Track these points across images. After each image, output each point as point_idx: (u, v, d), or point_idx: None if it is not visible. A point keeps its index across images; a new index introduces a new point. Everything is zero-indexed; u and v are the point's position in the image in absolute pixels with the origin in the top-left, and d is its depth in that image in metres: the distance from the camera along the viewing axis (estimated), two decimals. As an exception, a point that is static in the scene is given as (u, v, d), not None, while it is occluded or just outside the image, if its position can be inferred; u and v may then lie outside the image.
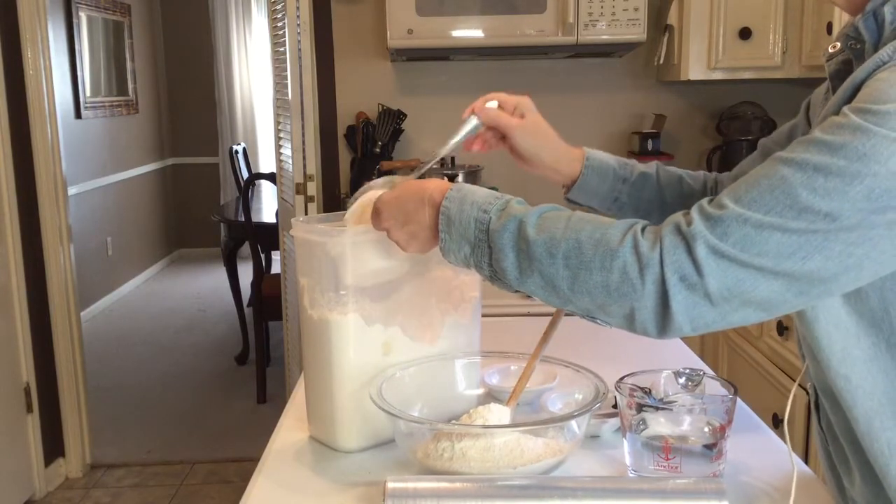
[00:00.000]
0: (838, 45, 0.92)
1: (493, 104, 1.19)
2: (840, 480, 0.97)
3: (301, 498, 1.02)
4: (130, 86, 6.27)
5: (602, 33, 2.69)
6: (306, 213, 2.89)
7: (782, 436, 1.01)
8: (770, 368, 2.25)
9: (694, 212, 0.80)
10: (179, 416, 3.84)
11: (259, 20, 6.89)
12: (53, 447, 3.16)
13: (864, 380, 0.86)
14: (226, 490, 3.12)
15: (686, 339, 1.48)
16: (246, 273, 4.25)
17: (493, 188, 1.01)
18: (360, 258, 1.09)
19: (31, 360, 3.01)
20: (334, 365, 1.10)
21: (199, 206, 7.00)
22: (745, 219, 0.76)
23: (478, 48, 2.84)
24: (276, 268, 4.35)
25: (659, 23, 2.98)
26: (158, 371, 4.45)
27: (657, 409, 0.99)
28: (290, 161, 3.03)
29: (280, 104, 3.23)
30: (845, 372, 0.87)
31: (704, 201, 0.81)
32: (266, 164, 6.87)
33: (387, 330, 1.13)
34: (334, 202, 3.12)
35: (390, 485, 0.89)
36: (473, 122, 1.17)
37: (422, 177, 1.08)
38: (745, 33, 2.77)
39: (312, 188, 2.92)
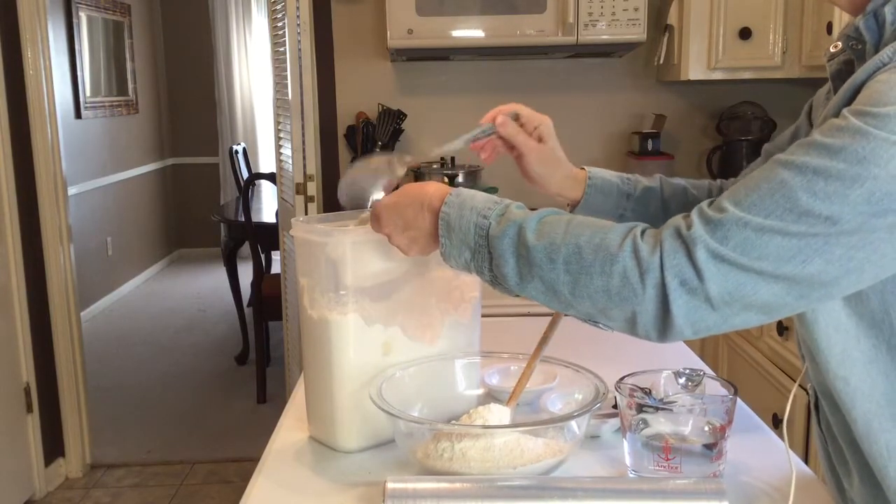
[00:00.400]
0: (840, 45, 0.92)
1: (511, 114, 1.17)
2: (839, 481, 0.97)
3: (301, 498, 1.02)
4: (130, 86, 6.27)
5: (602, 33, 2.69)
6: (306, 213, 2.89)
7: (782, 436, 1.01)
8: (770, 369, 2.25)
9: (694, 215, 0.80)
10: (179, 416, 3.84)
11: (259, 20, 6.89)
12: (53, 447, 3.16)
13: (863, 382, 0.86)
14: (226, 490, 3.12)
15: (686, 340, 1.47)
16: (246, 273, 4.25)
17: (492, 188, 1.01)
18: (360, 258, 1.09)
19: (31, 360, 3.01)
20: (334, 365, 1.10)
21: (199, 206, 7.00)
22: (746, 222, 0.76)
23: (478, 48, 2.84)
24: (276, 268, 4.35)
25: (659, 23, 2.98)
26: (158, 371, 4.45)
27: (657, 409, 0.99)
28: (290, 161, 3.03)
29: (280, 104, 3.23)
30: (844, 374, 0.87)
31: (704, 204, 0.80)
32: (266, 164, 6.87)
33: (387, 330, 1.13)
34: (334, 202, 3.11)
35: (390, 485, 0.89)
36: (489, 125, 1.16)
37: (421, 177, 1.08)
38: (745, 33, 2.77)
39: (312, 188, 2.92)
